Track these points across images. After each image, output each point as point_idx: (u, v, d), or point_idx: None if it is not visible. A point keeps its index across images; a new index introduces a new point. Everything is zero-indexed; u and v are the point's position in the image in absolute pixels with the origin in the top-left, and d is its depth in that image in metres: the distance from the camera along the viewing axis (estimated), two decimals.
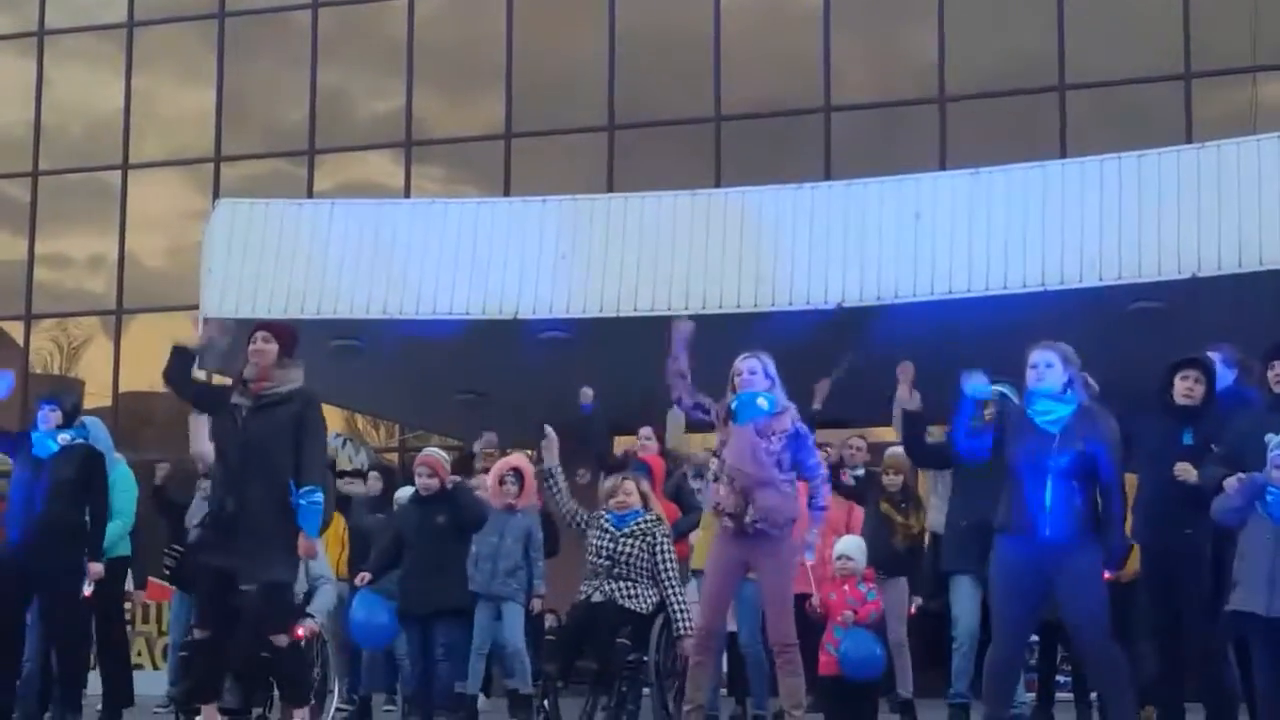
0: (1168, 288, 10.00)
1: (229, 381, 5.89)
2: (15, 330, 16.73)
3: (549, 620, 10.48)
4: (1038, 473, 5.06)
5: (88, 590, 6.74)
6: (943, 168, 12.66)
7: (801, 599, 6.15)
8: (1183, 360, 5.79)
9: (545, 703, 6.39)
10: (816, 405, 7.03)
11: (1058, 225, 10.33)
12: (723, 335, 10.47)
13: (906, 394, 5.57)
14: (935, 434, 7.56)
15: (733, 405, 5.69)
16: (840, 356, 6.30)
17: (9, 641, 6.77)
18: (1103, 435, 5.14)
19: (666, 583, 6.43)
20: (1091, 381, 5.38)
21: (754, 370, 5.70)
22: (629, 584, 6.40)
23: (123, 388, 16.03)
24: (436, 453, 7.49)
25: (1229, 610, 5.18)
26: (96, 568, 6.76)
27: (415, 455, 7.74)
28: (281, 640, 5.60)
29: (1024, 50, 13.91)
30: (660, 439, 8.09)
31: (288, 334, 5.77)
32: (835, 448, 8.08)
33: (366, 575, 7.23)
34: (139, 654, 11.77)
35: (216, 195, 14.82)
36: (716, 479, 5.75)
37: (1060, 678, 7.69)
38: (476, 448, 8.84)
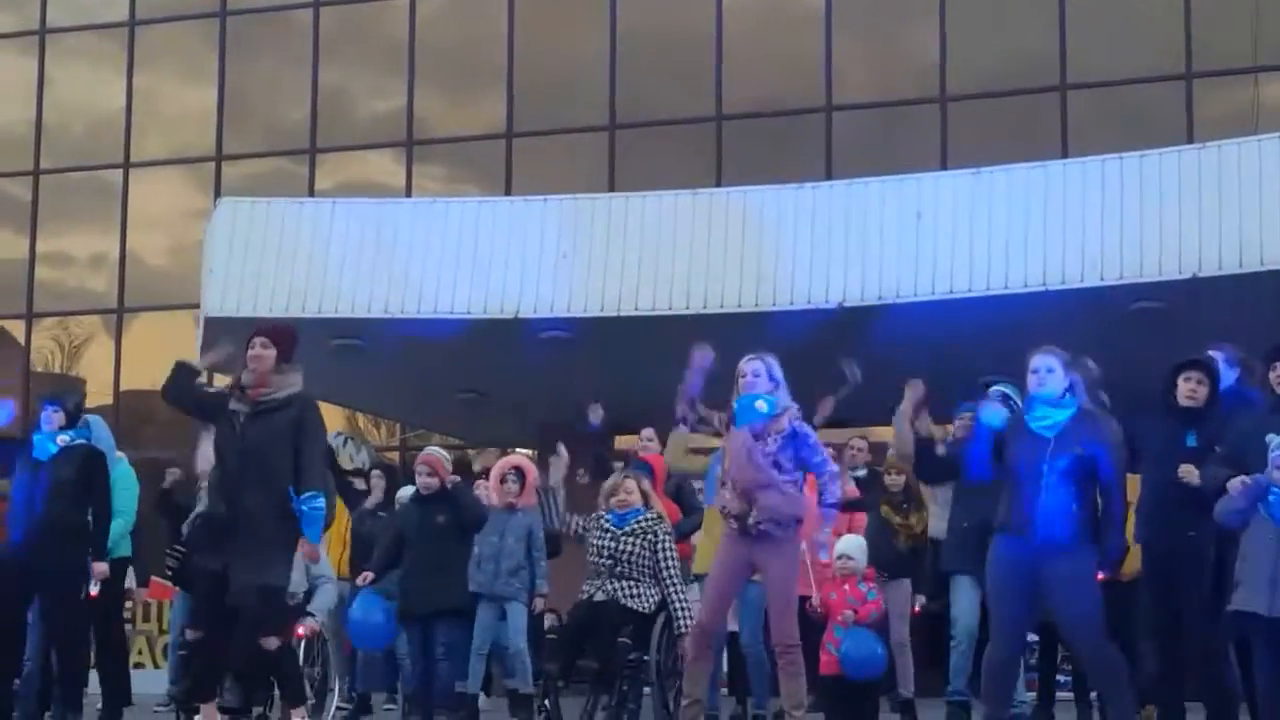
0: (1169, 288, 10.00)
1: (228, 381, 5.88)
2: (16, 329, 16.74)
3: (549, 620, 10.49)
4: (1033, 476, 5.09)
5: (94, 590, 6.73)
6: (944, 167, 12.66)
7: (802, 600, 6.15)
8: (1185, 361, 5.79)
9: (546, 702, 6.39)
10: (817, 420, 7.02)
11: (1059, 225, 10.33)
12: (724, 335, 10.49)
13: (909, 409, 5.55)
14: (936, 432, 7.55)
15: (734, 409, 5.69)
16: (846, 375, 6.29)
17: (9, 641, 6.78)
18: (1103, 437, 5.15)
19: (668, 580, 6.43)
20: (1104, 396, 5.38)
21: (757, 373, 5.69)
22: (631, 583, 6.40)
23: (124, 386, 16.04)
24: (437, 451, 7.49)
25: (1231, 610, 5.18)
26: (101, 567, 6.77)
27: (416, 454, 7.74)
28: (272, 643, 5.60)
29: (1025, 50, 13.91)
30: (663, 442, 8.08)
31: (286, 338, 5.74)
32: (836, 449, 8.06)
33: (369, 574, 7.24)
34: (139, 652, 11.78)
35: (218, 194, 14.82)
36: (724, 483, 5.74)
37: (1060, 677, 7.69)
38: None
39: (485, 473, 8.22)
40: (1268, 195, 9.85)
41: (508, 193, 14.44)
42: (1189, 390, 5.71)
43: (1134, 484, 5.72)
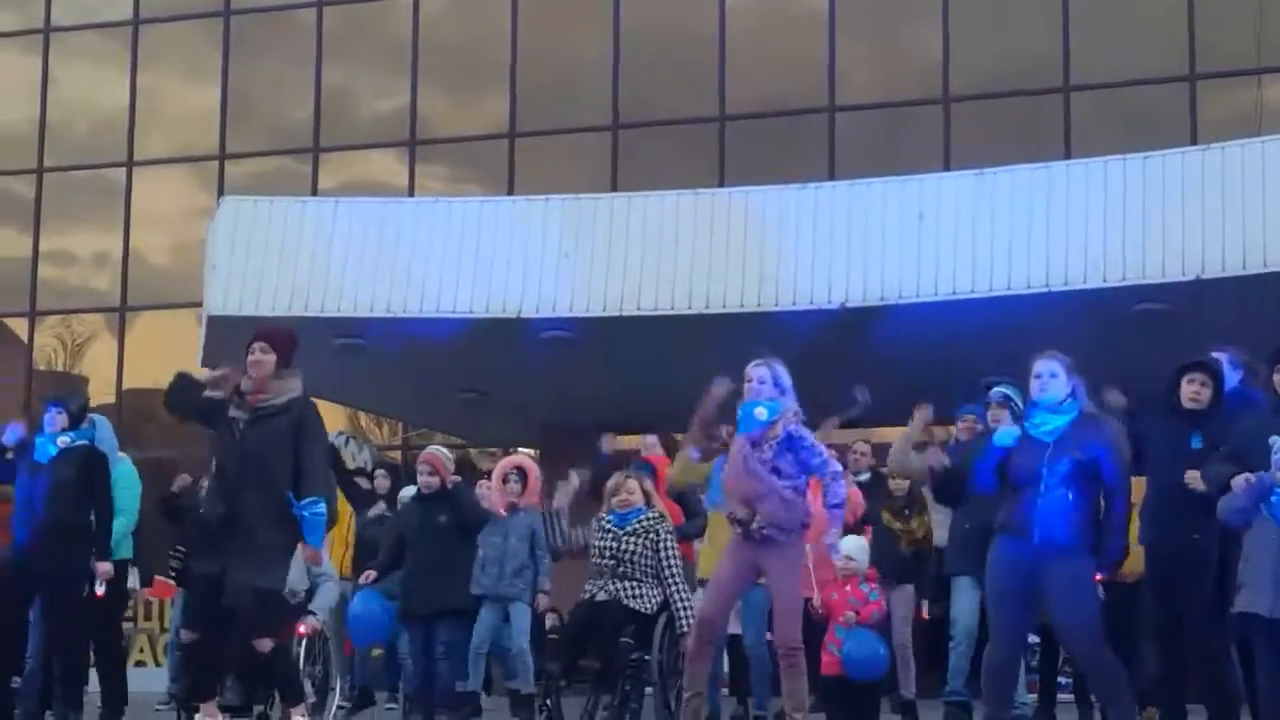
0: (1172, 289, 9.98)
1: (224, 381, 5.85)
2: (20, 327, 16.76)
3: (551, 620, 10.48)
4: (1032, 480, 5.10)
5: (100, 590, 6.73)
6: (947, 168, 12.65)
7: (804, 601, 6.13)
8: (1189, 363, 5.79)
9: (548, 701, 6.39)
10: (818, 437, 7.01)
11: (1062, 226, 10.32)
12: (726, 335, 10.51)
13: (916, 433, 5.58)
14: (939, 434, 7.55)
15: (738, 414, 5.69)
16: (856, 398, 6.31)
17: (10, 641, 6.78)
18: (1105, 440, 5.15)
19: (670, 579, 6.43)
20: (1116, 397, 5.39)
21: (763, 379, 5.67)
22: (634, 583, 6.40)
23: (126, 384, 16.05)
24: (439, 450, 7.49)
25: (1234, 612, 5.18)
26: (106, 567, 6.77)
27: (418, 453, 7.74)
28: (265, 646, 5.60)
29: (1028, 51, 13.90)
30: (666, 448, 8.08)
31: (285, 343, 5.72)
32: (838, 451, 8.05)
33: (371, 573, 7.24)
34: (141, 650, 11.79)
35: (221, 193, 14.83)
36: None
37: (1061, 679, 7.68)
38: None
39: (488, 473, 8.23)
40: (1271, 197, 9.84)
41: (510, 192, 14.44)
42: (1192, 392, 5.70)
43: (1139, 486, 5.71)
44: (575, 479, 7.08)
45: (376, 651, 9.27)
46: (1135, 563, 5.77)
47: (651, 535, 6.48)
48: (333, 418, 13.55)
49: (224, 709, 5.89)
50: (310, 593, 7.16)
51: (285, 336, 5.78)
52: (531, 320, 11.18)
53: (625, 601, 6.36)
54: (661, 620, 6.43)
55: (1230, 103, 13.81)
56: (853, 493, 7.22)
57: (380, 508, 8.88)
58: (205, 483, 6.75)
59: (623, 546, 6.45)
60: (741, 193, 11.45)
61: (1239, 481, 5.06)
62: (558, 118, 14.99)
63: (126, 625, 10.34)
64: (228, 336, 10.12)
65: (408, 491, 7.93)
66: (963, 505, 6.77)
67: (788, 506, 5.58)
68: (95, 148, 16.52)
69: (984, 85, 13.95)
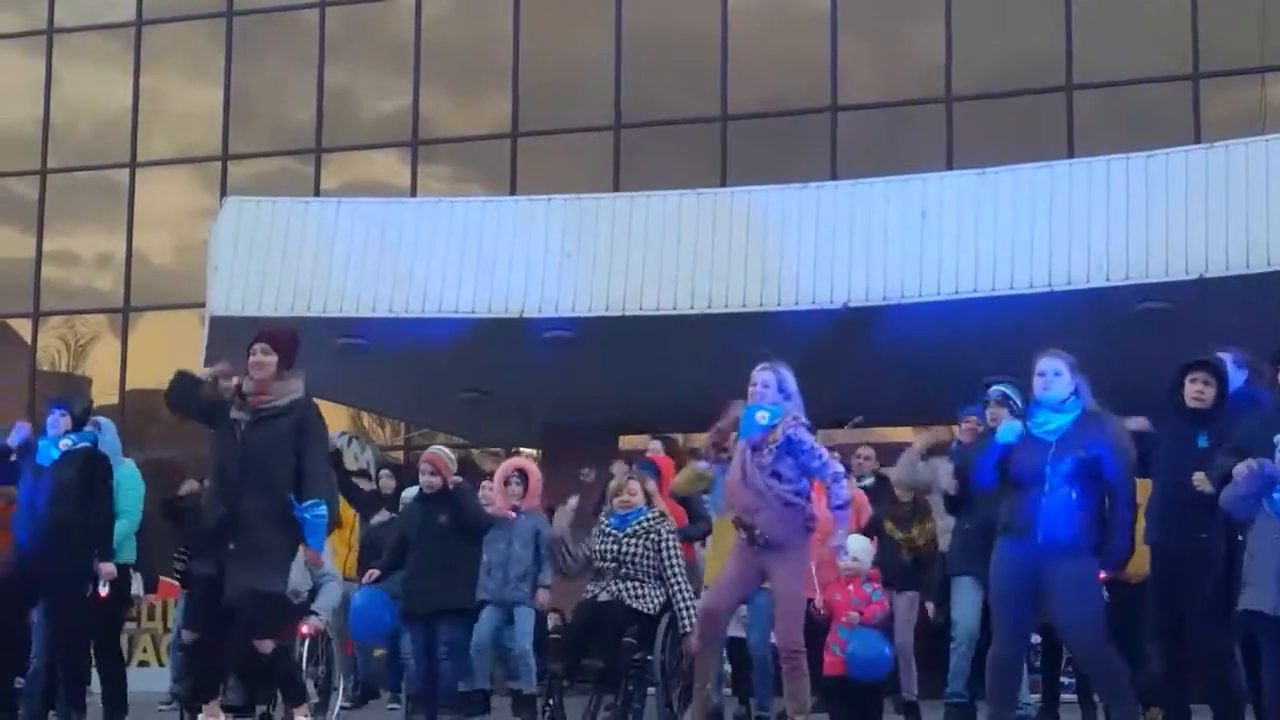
0: (1175, 288, 9.97)
1: (231, 384, 5.85)
2: (23, 327, 16.77)
3: (553, 620, 10.48)
4: (1035, 479, 5.09)
5: (104, 590, 6.74)
6: (949, 167, 12.64)
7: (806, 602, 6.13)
8: (1192, 362, 5.78)
9: (550, 702, 6.39)
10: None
11: (1065, 225, 10.30)
12: (728, 335, 10.51)
13: (920, 452, 5.53)
14: (942, 434, 7.56)
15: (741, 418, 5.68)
16: (854, 417, 6.36)
17: (13, 641, 6.78)
18: (1108, 438, 5.14)
19: (672, 579, 6.42)
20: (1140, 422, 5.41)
21: (766, 384, 5.65)
22: (636, 584, 6.39)
23: (130, 385, 16.06)
24: (441, 450, 7.48)
25: (1238, 609, 5.17)
26: (108, 567, 6.77)
27: (421, 453, 7.73)
28: (266, 646, 5.60)
29: (1031, 50, 13.88)
30: (670, 453, 8.07)
31: (287, 344, 5.70)
32: (842, 453, 8.04)
33: (374, 572, 7.24)
34: (145, 650, 11.80)
35: (224, 193, 14.83)
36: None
37: (1065, 679, 7.67)
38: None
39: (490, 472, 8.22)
40: (1275, 195, 9.82)
41: (512, 192, 14.44)
42: (1196, 391, 5.70)
43: (1144, 486, 5.70)
44: (572, 501, 7.09)
45: (379, 652, 9.29)
46: (1140, 564, 5.76)
47: (652, 536, 6.47)
48: (335, 418, 13.55)
49: (226, 709, 5.89)
50: (313, 593, 7.15)
51: (287, 337, 5.76)
52: (534, 320, 11.18)
53: (628, 602, 6.35)
54: (664, 620, 6.42)
55: (1234, 101, 13.79)
56: (857, 495, 7.21)
57: (383, 515, 8.89)
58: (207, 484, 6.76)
59: (623, 549, 6.45)
60: (744, 192, 11.44)
61: (1240, 469, 5.05)
62: (560, 118, 14.99)
63: (130, 626, 10.35)
64: (230, 337, 10.11)
65: (410, 492, 7.93)
66: (964, 504, 6.76)
67: (785, 517, 5.56)
68: (98, 149, 16.54)
69: (986, 84, 13.94)
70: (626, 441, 13.39)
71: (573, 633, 6.63)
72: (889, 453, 8.50)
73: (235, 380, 5.67)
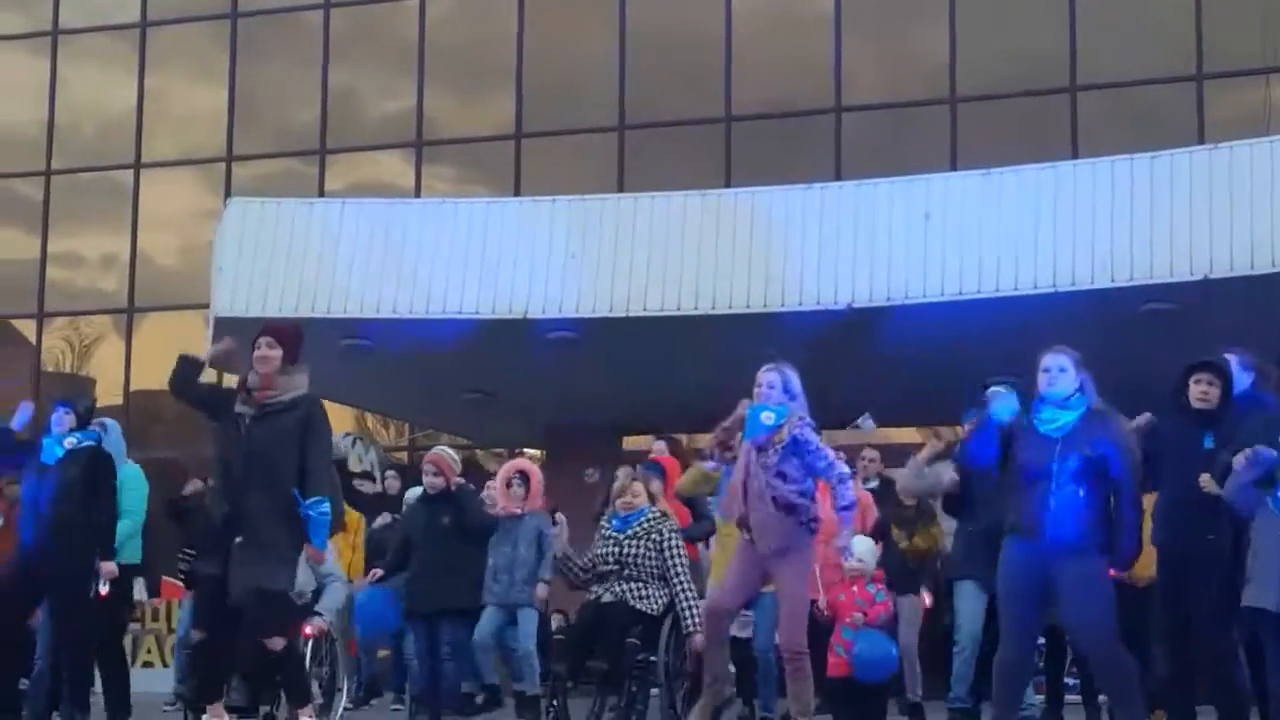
0: (1179, 289, 9.96)
1: (235, 383, 5.86)
2: (28, 328, 16.80)
3: (556, 621, 10.48)
4: (1042, 477, 5.06)
5: (104, 589, 6.75)
6: (953, 168, 12.64)
7: (809, 603, 6.13)
8: (1197, 363, 5.77)
9: (554, 703, 6.39)
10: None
11: (1069, 226, 10.30)
12: (732, 336, 10.50)
13: (925, 460, 5.51)
14: (947, 435, 7.56)
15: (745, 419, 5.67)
16: (860, 416, 6.36)
17: (17, 642, 6.79)
18: (1112, 436, 5.13)
19: (675, 577, 6.42)
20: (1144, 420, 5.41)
21: (772, 384, 5.65)
22: (640, 585, 6.39)
23: (134, 386, 16.08)
24: (445, 451, 7.48)
25: (1242, 607, 5.16)
26: (109, 566, 6.78)
27: (425, 454, 7.74)
28: (277, 644, 5.59)
29: (1035, 51, 13.87)
30: (674, 453, 8.07)
31: (292, 338, 5.70)
32: (848, 455, 8.03)
33: (378, 572, 7.24)
34: (149, 651, 11.81)
35: (228, 194, 14.85)
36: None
37: (1069, 680, 7.66)
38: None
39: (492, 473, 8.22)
40: (1279, 196, 9.81)
41: (516, 193, 14.45)
42: (1200, 392, 5.69)
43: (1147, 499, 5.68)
44: (564, 520, 7.08)
45: (383, 652, 9.29)
46: (1147, 566, 5.75)
47: (654, 536, 6.47)
48: (339, 419, 13.57)
49: (230, 710, 5.88)
50: (317, 594, 7.16)
51: (291, 332, 5.76)
52: (537, 321, 11.18)
53: (631, 603, 6.36)
54: (667, 621, 6.42)
55: (1238, 102, 13.78)
56: (863, 496, 7.21)
57: (385, 517, 8.89)
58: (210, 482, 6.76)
59: (625, 551, 6.45)
60: (748, 193, 11.44)
61: (1239, 459, 5.05)
62: (564, 119, 15.00)
63: (134, 627, 10.36)
64: (235, 338, 10.12)
65: (414, 492, 7.93)
66: (965, 507, 6.76)
67: (782, 521, 5.54)
68: (103, 150, 16.56)
69: (990, 85, 13.93)
70: (630, 443, 13.40)
71: (576, 634, 6.64)
72: (892, 455, 8.49)
73: (236, 355, 5.65)
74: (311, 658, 6.90)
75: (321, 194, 15.19)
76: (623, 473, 7.20)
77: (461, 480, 7.36)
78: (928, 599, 7.53)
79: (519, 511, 7.33)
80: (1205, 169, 10.11)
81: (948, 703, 6.87)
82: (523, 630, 7.37)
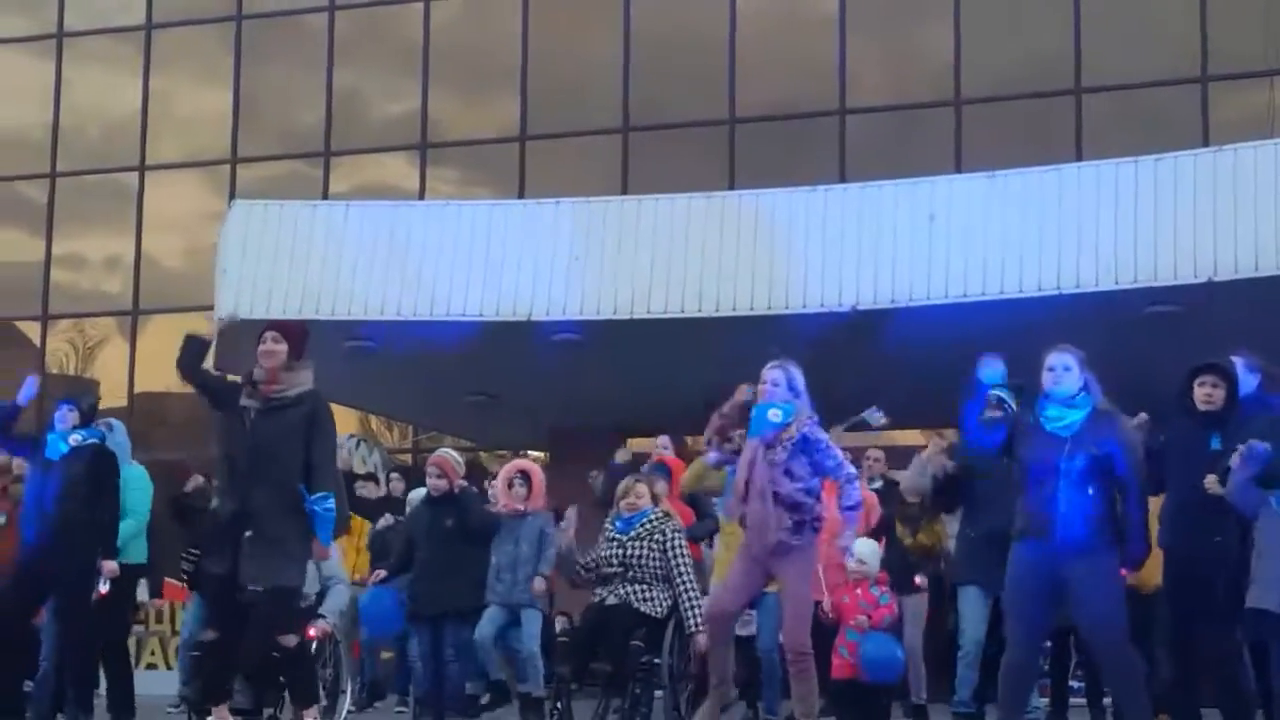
0: (1184, 291, 9.95)
1: (240, 378, 5.86)
2: (32, 330, 16.82)
3: (560, 623, 10.48)
4: (1050, 477, 5.05)
5: (104, 588, 6.75)
6: (958, 170, 12.63)
7: (814, 605, 6.12)
8: (1201, 365, 5.76)
9: (558, 704, 6.38)
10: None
11: (1073, 228, 10.29)
12: (736, 338, 10.50)
13: (929, 459, 5.51)
14: (949, 435, 7.54)
15: (751, 416, 5.67)
16: (861, 420, 6.35)
17: (22, 642, 6.79)
18: (1117, 434, 5.12)
19: (679, 578, 6.42)
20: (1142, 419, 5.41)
21: (776, 382, 5.64)
22: (644, 587, 6.39)
23: (138, 388, 16.09)
24: (448, 453, 7.48)
25: (1245, 608, 5.15)
26: (111, 565, 6.78)
27: (428, 456, 7.74)
28: (290, 641, 5.58)
29: (1040, 53, 13.87)
30: (678, 451, 8.07)
31: (297, 334, 5.71)
32: (853, 456, 8.03)
33: (381, 573, 7.24)
34: (153, 653, 11.81)
35: (232, 196, 14.86)
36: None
37: (1073, 683, 7.65)
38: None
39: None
40: None
41: (521, 195, 14.45)
42: (1205, 394, 5.68)
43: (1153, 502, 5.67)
44: (573, 515, 7.09)
45: (387, 654, 9.29)
46: (1154, 574, 5.72)
47: (657, 537, 6.47)
48: (343, 420, 13.56)
49: (235, 712, 5.88)
50: (320, 596, 7.16)
51: (296, 327, 5.78)
52: (541, 323, 11.18)
53: (635, 605, 6.35)
54: (671, 624, 6.42)
55: (1242, 104, 13.76)
56: (868, 497, 7.20)
57: (388, 519, 8.89)
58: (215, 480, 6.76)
59: (628, 552, 6.45)
60: (752, 195, 11.44)
61: (1235, 459, 5.04)
62: (568, 120, 15.00)
63: (138, 629, 10.36)
64: (239, 340, 10.13)
65: (417, 494, 7.93)
66: (967, 511, 6.75)
67: (781, 525, 5.52)
68: (107, 152, 16.59)
69: (995, 87, 13.93)
70: (634, 445, 13.40)
71: (580, 636, 6.64)
72: (896, 456, 8.49)
73: (236, 321, 5.63)
74: (315, 660, 6.90)
75: (326, 196, 15.20)
76: (621, 457, 7.17)
77: (465, 482, 7.36)
78: (919, 582, 7.51)
79: (522, 509, 7.33)
80: (1210, 171, 10.10)
81: (952, 707, 6.86)
82: (527, 632, 7.36)
